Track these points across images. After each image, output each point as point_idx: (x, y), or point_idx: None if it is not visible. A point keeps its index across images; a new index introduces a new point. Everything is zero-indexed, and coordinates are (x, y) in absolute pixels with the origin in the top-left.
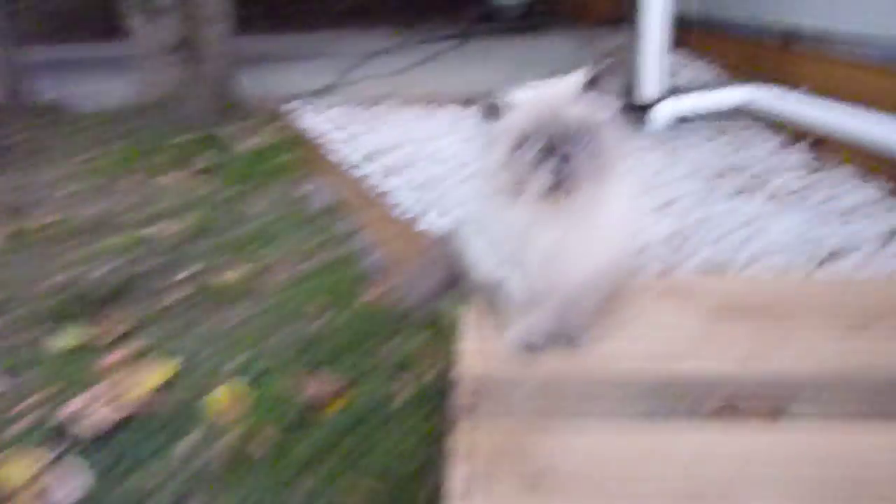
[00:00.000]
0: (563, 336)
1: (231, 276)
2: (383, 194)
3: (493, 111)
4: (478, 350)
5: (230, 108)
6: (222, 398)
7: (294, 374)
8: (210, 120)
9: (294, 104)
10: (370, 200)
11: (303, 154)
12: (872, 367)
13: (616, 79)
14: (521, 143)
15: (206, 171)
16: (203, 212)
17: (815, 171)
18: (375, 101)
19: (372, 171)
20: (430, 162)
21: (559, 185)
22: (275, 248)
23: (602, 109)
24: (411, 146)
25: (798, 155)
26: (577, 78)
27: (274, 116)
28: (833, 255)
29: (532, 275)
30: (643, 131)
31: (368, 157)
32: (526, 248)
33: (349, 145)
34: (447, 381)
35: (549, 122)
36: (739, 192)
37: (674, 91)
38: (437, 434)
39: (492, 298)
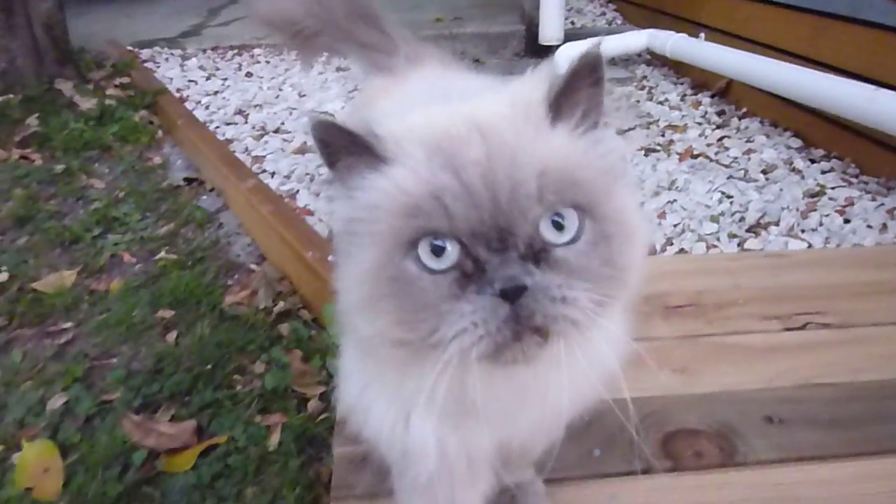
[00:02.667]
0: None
1: (55, 279)
2: (255, 161)
3: (350, 148)
4: None
5: (67, 59)
6: (31, 460)
7: (132, 418)
8: (39, 75)
9: (150, 52)
10: (240, 169)
11: (159, 113)
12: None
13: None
14: (426, 239)
15: (31, 139)
16: (24, 194)
17: (724, 124)
18: (248, 47)
19: (242, 133)
20: None
21: (525, 333)
22: (118, 238)
23: (594, 149)
24: (290, 102)
25: (706, 104)
26: (533, 85)
27: (124, 68)
28: (758, 223)
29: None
30: None
31: (239, 115)
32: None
33: (216, 101)
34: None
35: (493, 191)
36: (651, 149)
37: (577, 33)
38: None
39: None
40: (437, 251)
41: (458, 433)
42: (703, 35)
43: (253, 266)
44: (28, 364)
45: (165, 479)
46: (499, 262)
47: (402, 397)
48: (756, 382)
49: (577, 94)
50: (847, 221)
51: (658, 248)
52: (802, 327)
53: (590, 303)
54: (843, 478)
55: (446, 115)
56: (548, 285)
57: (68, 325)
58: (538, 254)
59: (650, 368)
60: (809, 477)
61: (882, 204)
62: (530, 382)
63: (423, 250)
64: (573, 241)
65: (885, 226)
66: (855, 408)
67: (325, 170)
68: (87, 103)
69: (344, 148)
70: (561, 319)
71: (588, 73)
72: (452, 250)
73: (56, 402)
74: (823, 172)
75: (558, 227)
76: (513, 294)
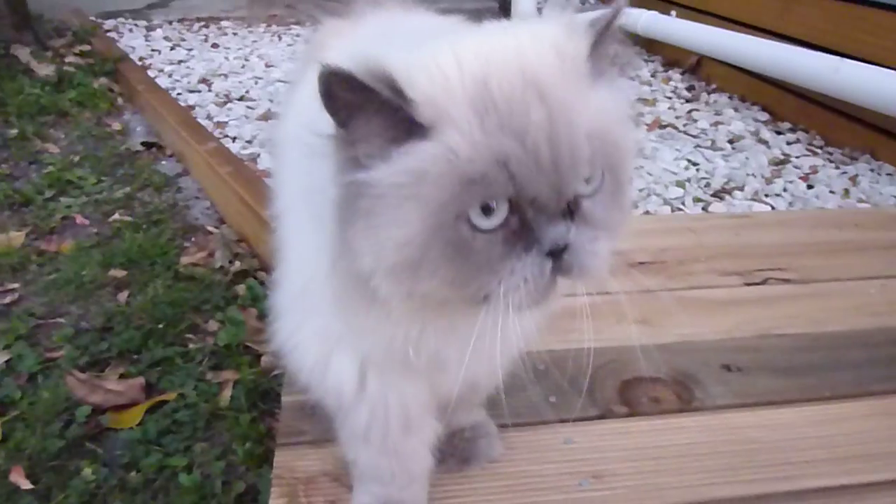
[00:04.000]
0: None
1: (2, 240)
2: (217, 126)
3: (370, 106)
4: None
5: (24, 25)
6: None
7: (78, 375)
8: None
9: (114, 23)
10: (200, 133)
11: (120, 80)
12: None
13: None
14: (468, 200)
15: None
16: None
17: (693, 98)
18: (216, 19)
19: (205, 100)
20: (277, 91)
21: (556, 281)
22: (72, 200)
23: (618, 101)
24: (256, 71)
25: (676, 80)
26: (570, 30)
27: (84, 35)
28: (723, 188)
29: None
30: None
31: (203, 83)
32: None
33: (180, 69)
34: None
35: (556, 156)
36: None
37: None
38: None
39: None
40: (488, 211)
41: (397, 382)
42: (674, 13)
43: (211, 228)
44: None
45: (110, 434)
46: (545, 220)
47: (368, 346)
48: (715, 334)
49: (609, 49)
50: (810, 187)
51: None
52: (763, 282)
53: (608, 253)
54: (799, 421)
55: (484, 61)
56: (583, 241)
57: (15, 285)
58: (573, 208)
59: (609, 320)
60: (765, 421)
61: (845, 172)
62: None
63: (475, 210)
64: (595, 191)
65: (846, 191)
66: (813, 356)
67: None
68: (44, 69)
69: (362, 107)
70: (592, 271)
71: (616, 26)
72: (501, 209)
73: None
74: (789, 143)
75: (587, 179)
76: (558, 253)
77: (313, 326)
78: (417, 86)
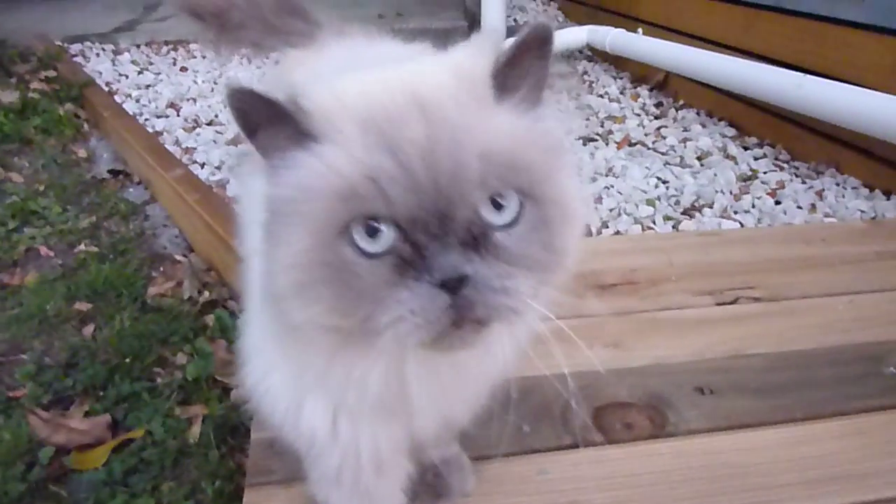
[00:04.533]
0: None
1: None
2: (186, 152)
3: (272, 119)
4: None
5: None
6: None
7: (41, 414)
8: None
9: (80, 47)
10: (167, 159)
11: (86, 105)
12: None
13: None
14: (357, 222)
15: None
16: None
17: (662, 115)
18: (184, 43)
19: (173, 125)
20: None
21: (465, 321)
22: (36, 231)
23: (537, 127)
24: (222, 95)
25: (644, 97)
26: (476, 55)
27: (49, 61)
28: (692, 205)
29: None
30: None
31: (171, 108)
32: (406, 394)
33: (147, 94)
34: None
35: (434, 174)
36: (590, 139)
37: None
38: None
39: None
40: (372, 232)
41: (369, 424)
42: (640, 30)
43: (179, 257)
44: None
45: (74, 476)
46: (438, 248)
47: (325, 387)
48: (687, 355)
49: (523, 69)
50: (778, 203)
51: (594, 230)
52: (733, 301)
53: (529, 290)
54: (772, 443)
55: (381, 83)
56: (489, 275)
57: None
58: (478, 238)
59: (580, 344)
60: (738, 444)
61: (811, 186)
62: (458, 367)
63: (358, 232)
64: (512, 223)
65: (813, 206)
66: (784, 376)
67: (241, 143)
68: (8, 96)
69: (265, 119)
70: (503, 310)
71: (537, 45)
72: (388, 233)
73: None
74: (756, 158)
75: (497, 206)
76: (454, 285)
77: (283, 371)
78: (313, 99)
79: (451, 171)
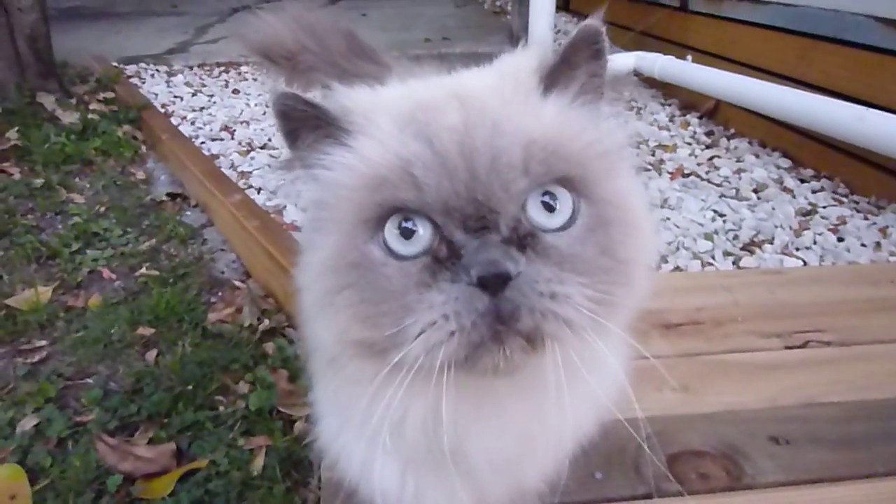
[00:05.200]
0: None
1: (30, 295)
2: (241, 176)
3: (313, 123)
4: None
5: (49, 72)
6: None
7: (108, 440)
8: (20, 88)
9: (137, 67)
10: (225, 184)
11: (143, 127)
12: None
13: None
14: (394, 218)
15: (10, 153)
16: (0, 209)
17: (713, 144)
18: (235, 65)
19: (228, 148)
20: None
21: (508, 334)
22: (98, 253)
23: (593, 124)
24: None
25: (694, 125)
26: (523, 57)
27: (108, 82)
28: (752, 240)
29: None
30: None
31: (225, 131)
32: (459, 446)
33: (202, 116)
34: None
35: (470, 160)
36: (642, 168)
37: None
38: None
39: None
40: (407, 233)
41: (436, 480)
42: (689, 57)
43: (238, 283)
44: None
45: (146, 499)
46: (477, 245)
47: (368, 431)
48: (759, 401)
49: (574, 67)
50: (841, 240)
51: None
52: (803, 345)
53: (585, 300)
54: (855, 499)
55: (424, 85)
56: (535, 277)
57: (42, 342)
58: (524, 239)
59: (648, 387)
60: (818, 499)
61: (874, 223)
62: (519, 408)
63: (391, 232)
64: (566, 226)
65: (878, 244)
66: (861, 427)
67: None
68: (69, 117)
69: (306, 123)
70: (552, 317)
71: (587, 45)
72: (424, 232)
73: (27, 423)
74: (814, 192)
75: (549, 208)
76: (493, 284)
77: (352, 429)
78: (352, 97)
79: (489, 156)
